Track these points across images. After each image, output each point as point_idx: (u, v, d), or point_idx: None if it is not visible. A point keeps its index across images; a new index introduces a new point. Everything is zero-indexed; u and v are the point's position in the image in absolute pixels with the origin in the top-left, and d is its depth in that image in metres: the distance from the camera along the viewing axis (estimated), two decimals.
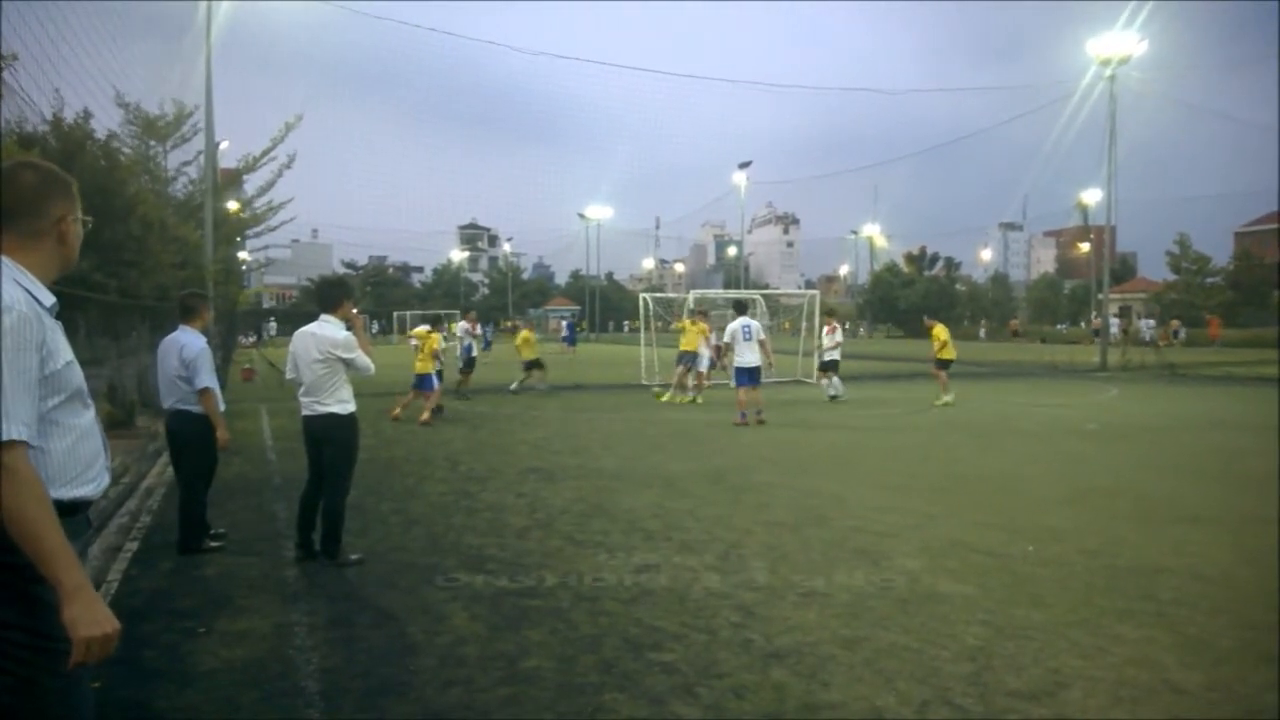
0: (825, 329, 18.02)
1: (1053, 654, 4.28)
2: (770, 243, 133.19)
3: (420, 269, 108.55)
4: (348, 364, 5.89)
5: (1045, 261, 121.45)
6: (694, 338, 17.56)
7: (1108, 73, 30.22)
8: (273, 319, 67.87)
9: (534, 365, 19.48)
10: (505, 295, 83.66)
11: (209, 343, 6.66)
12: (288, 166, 25.29)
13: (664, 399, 17.74)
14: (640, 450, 11.12)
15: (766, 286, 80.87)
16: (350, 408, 5.98)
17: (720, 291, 36.82)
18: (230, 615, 4.95)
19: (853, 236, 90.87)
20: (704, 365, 18.09)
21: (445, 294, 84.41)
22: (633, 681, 3.96)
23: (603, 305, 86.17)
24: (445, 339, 17.50)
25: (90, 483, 2.15)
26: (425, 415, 13.86)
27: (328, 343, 5.87)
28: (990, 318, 74.17)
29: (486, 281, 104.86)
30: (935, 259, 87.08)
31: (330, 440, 5.96)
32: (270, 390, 19.62)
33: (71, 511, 2.06)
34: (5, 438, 1.87)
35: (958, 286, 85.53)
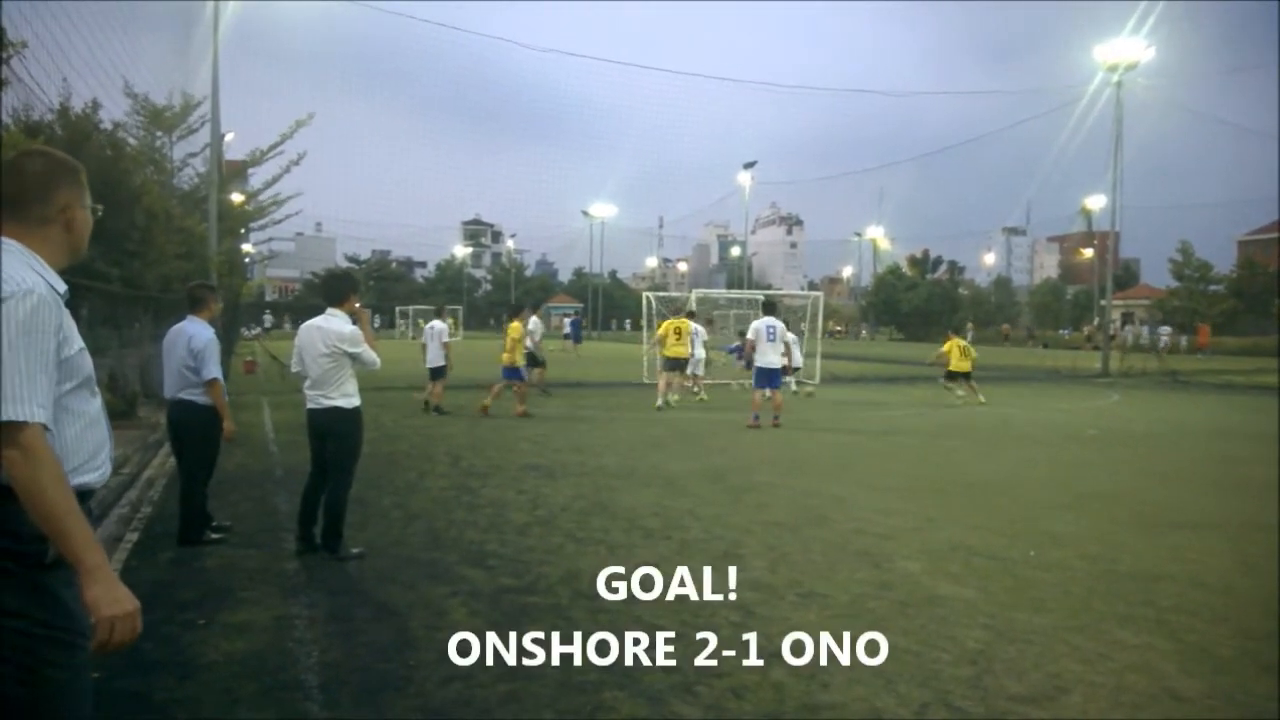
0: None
1: (1053, 659, 4.28)
2: (774, 243, 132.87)
3: (424, 264, 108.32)
4: (354, 358, 5.89)
5: (1048, 266, 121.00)
6: (679, 345, 16.10)
7: (1115, 78, 30.16)
8: (268, 313, 65.06)
9: (535, 363, 19.44)
10: (508, 292, 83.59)
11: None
12: (296, 163, 25.20)
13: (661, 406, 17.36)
14: (641, 449, 11.12)
15: (769, 287, 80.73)
16: (355, 402, 5.99)
17: (722, 291, 36.76)
18: (230, 607, 4.95)
19: (856, 238, 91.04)
20: (700, 369, 17.89)
21: (448, 289, 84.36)
22: (632, 680, 3.96)
23: (605, 303, 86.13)
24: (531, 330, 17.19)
25: (95, 470, 2.15)
26: (520, 407, 14.18)
27: (334, 336, 5.87)
28: (994, 322, 74.10)
29: (489, 278, 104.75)
30: (938, 262, 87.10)
31: (334, 434, 5.97)
32: (272, 383, 19.64)
33: (76, 498, 2.06)
34: (27, 419, 1.87)
35: (960, 290, 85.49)
